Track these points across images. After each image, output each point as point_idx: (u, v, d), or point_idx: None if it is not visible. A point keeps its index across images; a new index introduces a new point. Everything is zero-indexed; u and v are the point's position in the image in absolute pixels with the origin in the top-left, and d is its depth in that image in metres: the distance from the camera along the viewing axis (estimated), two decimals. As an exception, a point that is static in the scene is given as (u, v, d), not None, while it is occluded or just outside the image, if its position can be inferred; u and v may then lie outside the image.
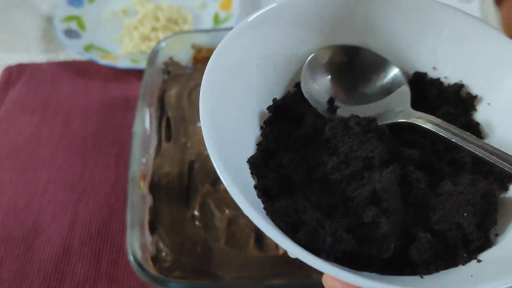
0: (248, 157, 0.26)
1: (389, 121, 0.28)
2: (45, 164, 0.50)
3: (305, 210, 0.24)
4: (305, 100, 0.29)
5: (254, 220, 0.21)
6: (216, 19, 0.66)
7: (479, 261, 0.24)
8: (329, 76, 0.31)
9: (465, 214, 0.24)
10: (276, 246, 0.37)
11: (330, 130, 0.27)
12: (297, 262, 0.36)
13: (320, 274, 0.35)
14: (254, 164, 0.25)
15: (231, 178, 0.22)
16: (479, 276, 0.23)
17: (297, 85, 0.30)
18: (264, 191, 0.25)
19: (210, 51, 0.51)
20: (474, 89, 0.30)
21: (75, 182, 0.49)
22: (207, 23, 0.66)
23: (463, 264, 0.24)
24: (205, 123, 0.23)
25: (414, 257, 0.23)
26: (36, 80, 0.59)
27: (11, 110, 0.55)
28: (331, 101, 0.30)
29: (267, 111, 0.28)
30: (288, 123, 0.28)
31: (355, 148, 0.26)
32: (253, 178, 0.25)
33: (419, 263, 0.24)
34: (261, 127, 0.28)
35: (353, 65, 0.31)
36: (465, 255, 0.24)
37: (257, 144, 0.27)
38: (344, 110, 0.29)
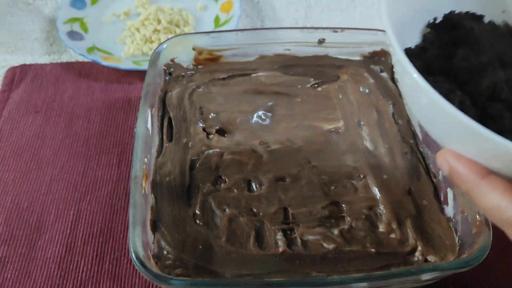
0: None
1: None
2: (48, 164, 0.51)
3: (441, 81, 0.27)
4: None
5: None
6: (217, 21, 0.66)
7: None
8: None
9: None
10: (276, 244, 0.38)
11: (480, 29, 0.30)
12: (296, 260, 0.37)
13: (319, 271, 0.36)
14: (408, 53, 0.28)
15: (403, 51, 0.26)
16: None
17: None
18: None
19: (210, 53, 0.52)
20: None
21: (77, 181, 0.49)
22: (208, 25, 0.67)
23: None
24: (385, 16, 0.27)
25: None
26: (39, 81, 0.60)
27: (14, 111, 0.56)
28: None
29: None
30: (446, 34, 0.31)
31: (494, 42, 0.29)
32: None
33: None
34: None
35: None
36: None
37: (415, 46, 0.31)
38: None
